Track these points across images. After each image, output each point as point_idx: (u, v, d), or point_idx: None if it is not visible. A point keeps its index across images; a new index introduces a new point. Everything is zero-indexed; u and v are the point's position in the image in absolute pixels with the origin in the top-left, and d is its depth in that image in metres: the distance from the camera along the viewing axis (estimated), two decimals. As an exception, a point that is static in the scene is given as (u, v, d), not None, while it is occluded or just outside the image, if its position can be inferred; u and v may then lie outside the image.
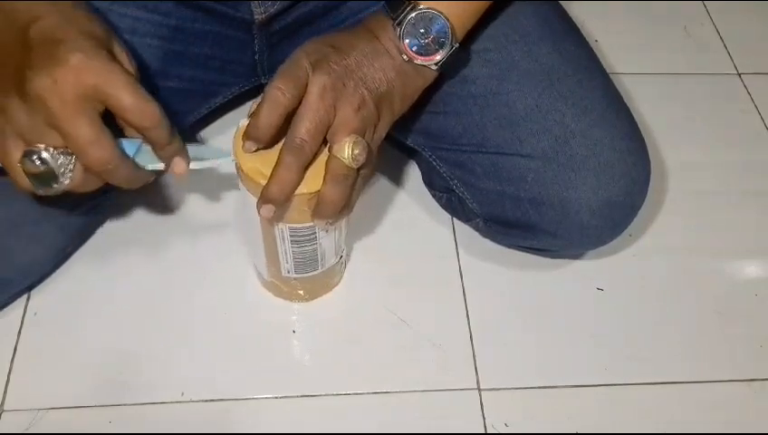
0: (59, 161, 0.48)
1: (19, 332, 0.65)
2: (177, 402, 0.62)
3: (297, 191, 0.53)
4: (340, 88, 0.53)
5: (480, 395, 0.64)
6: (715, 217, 0.78)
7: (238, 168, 0.55)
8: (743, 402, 0.65)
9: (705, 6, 1.02)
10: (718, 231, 0.77)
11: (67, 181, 0.49)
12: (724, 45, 0.96)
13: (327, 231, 0.59)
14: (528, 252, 0.72)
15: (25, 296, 0.67)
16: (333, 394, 0.63)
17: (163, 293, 0.68)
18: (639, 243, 0.75)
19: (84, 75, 0.46)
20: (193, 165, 0.54)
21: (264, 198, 0.53)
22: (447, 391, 0.64)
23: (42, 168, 0.48)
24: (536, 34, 0.64)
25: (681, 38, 0.98)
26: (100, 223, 0.72)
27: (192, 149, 0.55)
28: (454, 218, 0.75)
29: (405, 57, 0.56)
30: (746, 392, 0.66)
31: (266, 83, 0.75)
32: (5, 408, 0.61)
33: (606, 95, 0.64)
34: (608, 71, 0.68)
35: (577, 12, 0.73)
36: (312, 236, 0.58)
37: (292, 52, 0.71)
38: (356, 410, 0.63)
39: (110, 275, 0.69)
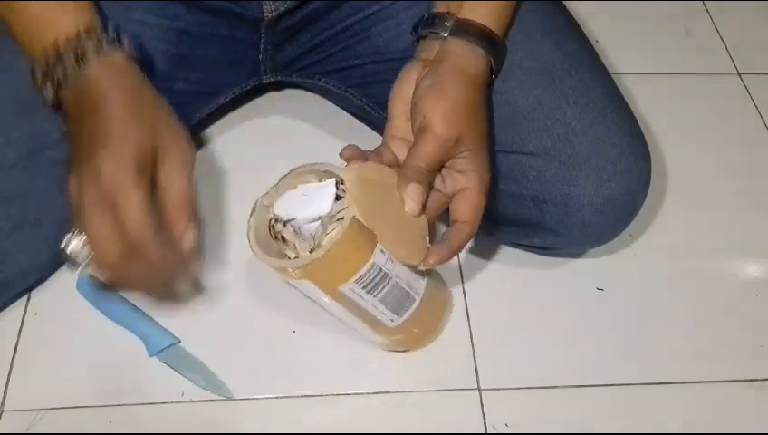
0: (77, 248, 0.52)
1: (19, 332, 0.65)
2: (177, 402, 0.62)
3: (332, 239, 0.51)
4: None
5: (480, 395, 0.64)
6: (715, 217, 0.78)
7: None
8: (743, 402, 0.65)
9: (705, 6, 1.02)
10: (718, 231, 0.77)
11: (83, 266, 0.53)
12: (725, 45, 0.96)
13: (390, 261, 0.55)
14: (528, 251, 0.72)
15: (25, 296, 0.67)
16: (333, 394, 0.63)
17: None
18: (639, 243, 0.75)
19: (106, 184, 0.49)
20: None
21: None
22: (447, 391, 0.64)
23: (67, 252, 0.52)
24: (538, 33, 0.64)
25: (681, 38, 0.98)
26: (99, 223, 0.72)
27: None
28: (454, 218, 0.75)
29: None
30: (746, 392, 0.66)
31: (267, 82, 0.76)
32: (5, 408, 0.61)
33: (607, 93, 0.64)
34: (608, 70, 0.68)
35: (578, 11, 0.73)
36: (383, 274, 0.54)
37: (294, 50, 0.72)
38: (356, 410, 0.63)
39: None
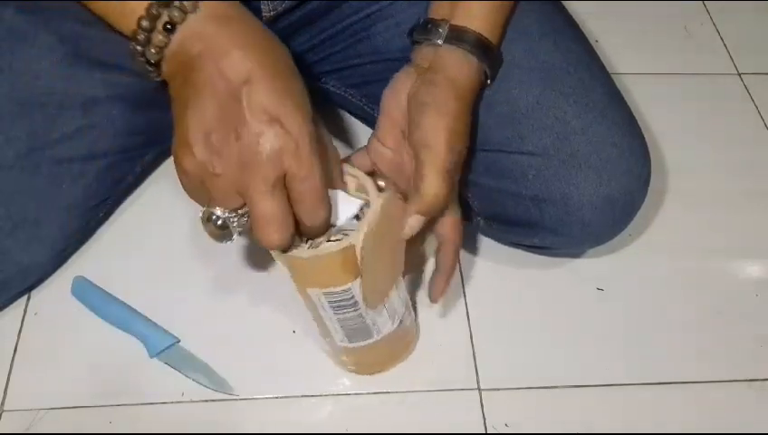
0: (235, 223, 0.48)
1: (19, 332, 0.65)
2: (177, 402, 0.62)
3: (327, 250, 0.51)
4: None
5: (480, 395, 0.64)
6: (715, 217, 0.78)
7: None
8: (743, 402, 0.65)
9: (705, 6, 1.02)
10: (718, 231, 0.77)
11: (236, 237, 0.49)
12: (725, 45, 0.97)
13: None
14: (528, 251, 0.72)
15: (25, 296, 0.67)
16: (333, 394, 0.63)
17: (162, 293, 0.68)
18: (639, 243, 0.75)
19: (287, 160, 0.46)
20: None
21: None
22: (447, 391, 0.64)
23: (221, 231, 0.48)
24: (537, 32, 0.64)
25: (681, 38, 0.98)
26: (99, 224, 0.72)
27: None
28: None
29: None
30: (746, 392, 0.66)
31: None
32: (5, 408, 0.61)
33: (607, 92, 0.64)
34: (608, 70, 0.68)
35: (577, 12, 0.73)
36: (353, 301, 0.54)
37: (292, 50, 0.71)
38: (356, 410, 0.63)
39: (109, 275, 0.69)
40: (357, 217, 0.53)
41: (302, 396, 0.63)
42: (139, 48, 0.50)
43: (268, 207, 0.47)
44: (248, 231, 0.49)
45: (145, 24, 0.49)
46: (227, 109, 0.47)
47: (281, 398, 0.63)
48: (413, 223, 0.54)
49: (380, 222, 0.51)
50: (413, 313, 0.64)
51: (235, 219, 0.48)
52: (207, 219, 0.48)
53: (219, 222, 0.48)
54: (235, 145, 0.46)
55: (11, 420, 0.60)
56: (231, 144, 0.46)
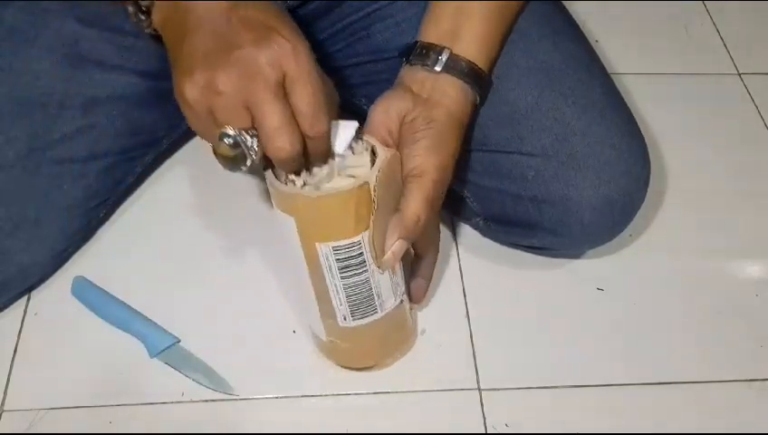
0: (248, 143, 0.48)
1: (19, 332, 0.65)
2: (177, 402, 0.62)
3: (338, 189, 0.50)
4: None
5: (480, 395, 0.64)
6: (715, 217, 0.78)
7: (275, 192, 0.53)
8: (743, 402, 0.65)
9: (705, 6, 1.02)
10: (718, 231, 0.77)
11: (250, 163, 0.49)
12: (725, 45, 0.96)
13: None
14: (528, 251, 0.72)
15: (25, 297, 0.67)
16: (333, 394, 0.63)
17: (162, 293, 0.68)
18: (639, 243, 0.75)
19: (285, 63, 0.47)
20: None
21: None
22: (447, 391, 0.64)
23: (234, 151, 0.48)
24: (536, 33, 0.64)
25: (681, 38, 0.98)
26: (100, 224, 0.72)
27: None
28: (454, 218, 0.75)
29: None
30: (746, 392, 0.66)
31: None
32: (5, 408, 0.61)
33: (606, 93, 0.64)
34: (608, 70, 0.68)
35: (577, 12, 0.73)
36: (361, 260, 0.54)
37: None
38: (356, 410, 0.63)
39: (109, 275, 0.69)
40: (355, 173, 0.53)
41: (302, 396, 0.63)
42: None
43: (275, 112, 0.47)
44: (260, 158, 0.49)
45: None
46: (221, 30, 0.48)
47: (281, 398, 0.63)
48: (396, 249, 0.54)
49: (390, 172, 0.52)
50: (409, 303, 0.64)
51: (247, 137, 0.48)
52: (219, 140, 0.48)
53: (230, 141, 0.48)
54: (234, 57, 0.47)
55: (11, 420, 0.60)
56: (230, 58, 0.47)
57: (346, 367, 0.64)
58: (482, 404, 0.63)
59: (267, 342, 0.66)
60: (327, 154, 0.52)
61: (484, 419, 0.62)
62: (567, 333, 0.68)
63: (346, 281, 0.55)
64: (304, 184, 0.52)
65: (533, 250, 0.72)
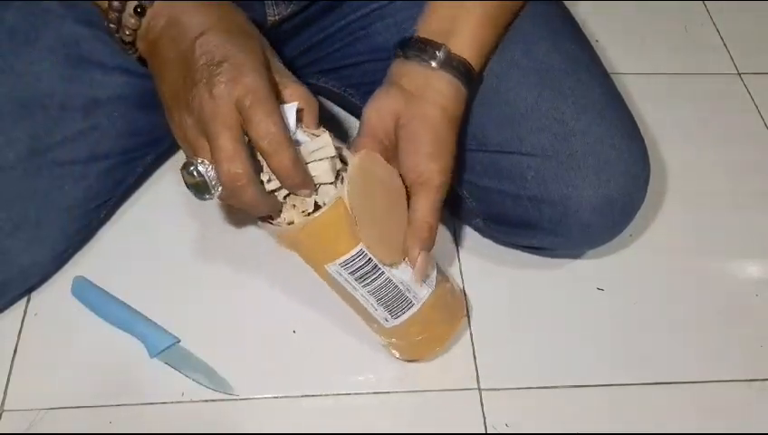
0: (210, 174, 0.50)
1: (19, 332, 0.65)
2: (177, 402, 0.62)
3: (317, 213, 0.51)
4: None
5: (480, 395, 0.64)
6: (715, 217, 0.78)
7: (287, 238, 0.53)
8: (743, 402, 0.65)
9: (705, 6, 1.02)
10: (718, 231, 0.77)
11: (217, 194, 0.51)
12: (725, 45, 0.96)
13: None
14: (528, 251, 0.72)
15: (25, 297, 0.67)
16: (333, 394, 0.63)
17: (162, 293, 0.68)
18: (639, 243, 0.75)
19: (236, 90, 0.48)
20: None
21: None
22: (447, 391, 0.64)
23: (197, 179, 0.50)
24: (536, 33, 0.64)
25: (681, 38, 0.98)
26: (100, 225, 0.72)
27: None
28: (454, 218, 0.75)
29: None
30: (746, 392, 0.66)
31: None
32: (5, 408, 0.61)
33: (605, 93, 0.64)
34: (608, 70, 0.68)
35: (577, 12, 0.73)
36: (372, 265, 0.54)
37: (292, 50, 0.71)
38: (356, 410, 0.63)
39: (109, 275, 0.69)
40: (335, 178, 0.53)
41: (302, 396, 0.63)
42: (112, 26, 0.53)
43: (223, 141, 0.48)
44: (223, 192, 0.51)
45: (116, 4, 0.52)
46: (188, 64, 0.50)
47: (281, 398, 0.63)
48: (421, 263, 0.55)
49: (364, 175, 0.52)
50: (447, 276, 0.62)
51: (210, 168, 0.50)
52: (183, 167, 0.50)
53: (192, 170, 0.50)
54: (192, 95, 0.49)
55: (11, 420, 0.60)
56: (189, 96, 0.49)
57: (420, 359, 0.64)
58: (482, 404, 0.63)
59: (267, 342, 0.66)
60: (304, 182, 0.51)
61: (484, 419, 0.62)
62: (567, 333, 0.68)
63: (368, 287, 0.55)
64: (303, 212, 0.53)
65: (533, 250, 0.72)
